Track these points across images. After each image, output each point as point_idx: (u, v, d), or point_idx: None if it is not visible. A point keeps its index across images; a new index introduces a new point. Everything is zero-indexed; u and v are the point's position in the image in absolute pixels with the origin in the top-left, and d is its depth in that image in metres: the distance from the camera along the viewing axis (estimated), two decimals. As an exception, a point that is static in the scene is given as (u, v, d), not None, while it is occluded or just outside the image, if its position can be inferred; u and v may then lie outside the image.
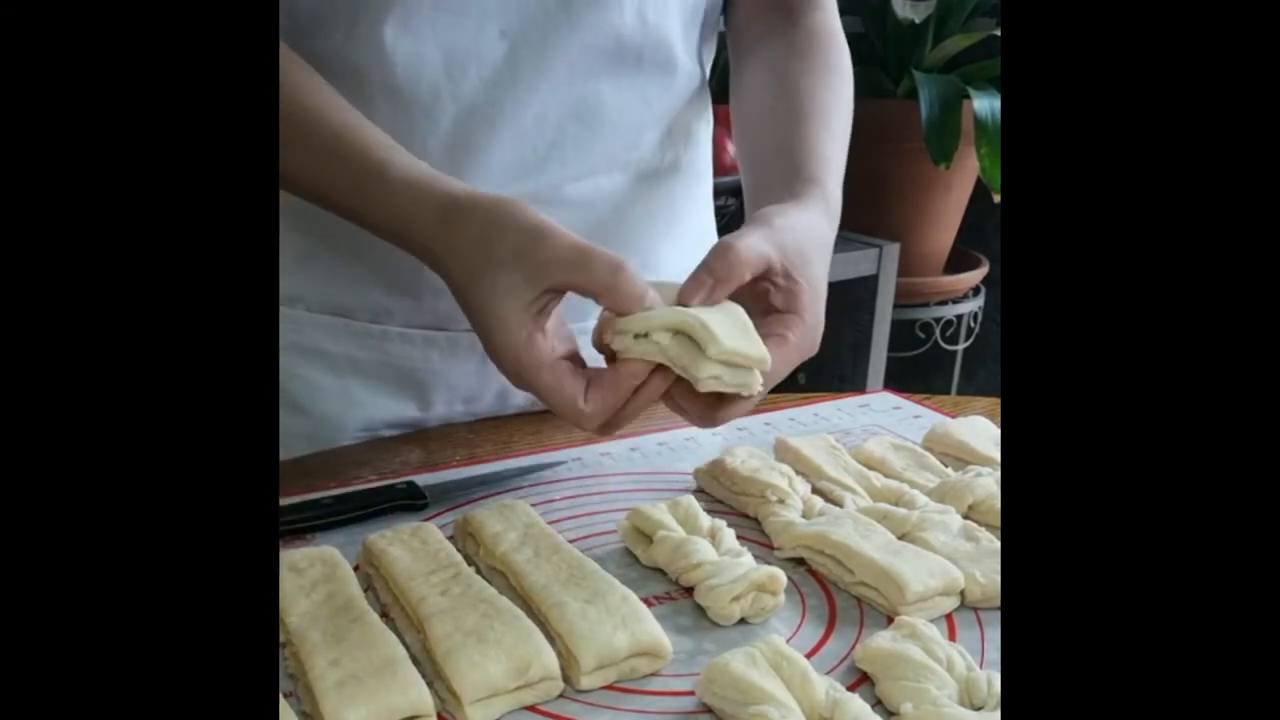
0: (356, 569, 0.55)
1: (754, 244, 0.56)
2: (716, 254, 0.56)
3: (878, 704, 0.45)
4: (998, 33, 1.80)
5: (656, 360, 0.54)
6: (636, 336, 0.54)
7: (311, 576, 0.52)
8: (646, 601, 0.51)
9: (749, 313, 0.56)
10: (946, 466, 0.69)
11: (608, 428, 0.57)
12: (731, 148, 1.90)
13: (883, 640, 0.47)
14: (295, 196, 0.69)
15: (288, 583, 0.51)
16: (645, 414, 0.80)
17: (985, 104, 1.67)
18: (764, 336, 0.55)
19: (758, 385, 0.54)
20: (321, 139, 0.61)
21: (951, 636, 0.51)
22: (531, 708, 0.46)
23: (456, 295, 0.58)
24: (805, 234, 0.60)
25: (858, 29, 1.87)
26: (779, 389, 1.05)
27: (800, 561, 0.57)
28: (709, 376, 0.53)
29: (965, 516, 0.60)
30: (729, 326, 0.53)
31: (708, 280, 0.55)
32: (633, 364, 0.54)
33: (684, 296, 0.55)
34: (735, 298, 0.57)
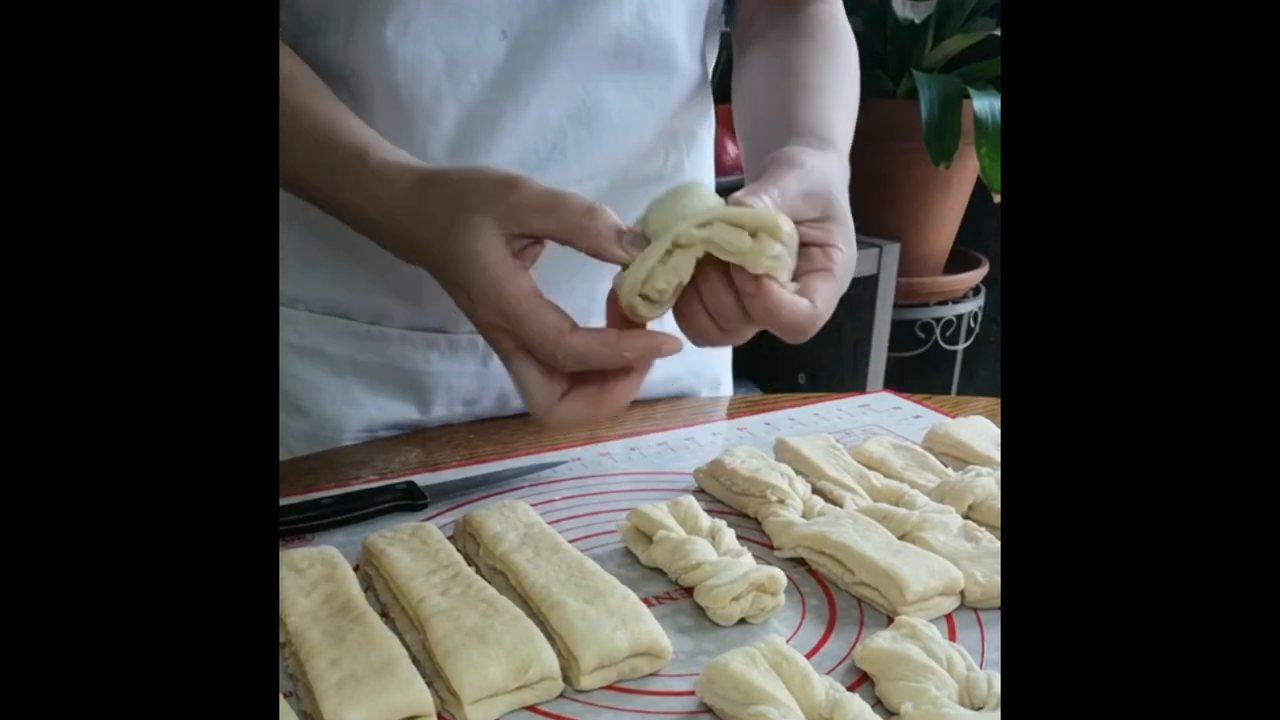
0: (356, 569, 0.55)
1: (793, 182, 0.55)
2: (752, 196, 0.53)
3: (878, 704, 0.45)
4: (998, 33, 1.80)
5: (709, 249, 0.51)
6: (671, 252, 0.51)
7: (311, 576, 0.52)
8: (646, 601, 0.51)
9: None
10: (946, 466, 0.69)
11: (573, 403, 0.54)
12: (731, 148, 1.89)
13: (883, 640, 0.47)
14: (294, 197, 0.69)
15: (288, 583, 0.51)
16: (646, 415, 0.81)
17: (985, 104, 1.67)
18: (806, 272, 0.54)
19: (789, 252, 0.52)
20: (305, 128, 0.61)
21: (951, 636, 0.51)
22: (531, 708, 0.46)
23: (431, 261, 0.56)
24: (830, 173, 0.58)
25: (858, 29, 1.86)
26: (779, 389, 1.04)
27: (800, 561, 0.57)
28: (770, 257, 0.50)
29: (965, 516, 0.60)
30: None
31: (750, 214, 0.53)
32: (653, 338, 0.53)
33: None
34: None
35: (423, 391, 0.78)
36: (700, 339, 0.56)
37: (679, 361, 0.84)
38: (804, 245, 0.56)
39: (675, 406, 0.84)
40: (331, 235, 0.74)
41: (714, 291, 0.53)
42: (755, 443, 0.73)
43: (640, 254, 0.51)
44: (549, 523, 0.58)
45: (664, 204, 0.53)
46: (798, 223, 0.55)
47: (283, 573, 0.52)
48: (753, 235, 0.50)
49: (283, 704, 0.43)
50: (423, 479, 0.67)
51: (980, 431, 0.72)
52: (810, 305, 0.53)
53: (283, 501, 0.62)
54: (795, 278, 0.54)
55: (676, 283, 0.52)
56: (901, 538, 0.57)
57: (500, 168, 0.55)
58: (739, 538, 0.57)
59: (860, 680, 0.47)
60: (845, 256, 0.56)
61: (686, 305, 0.54)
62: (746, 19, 0.80)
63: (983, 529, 0.58)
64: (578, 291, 0.58)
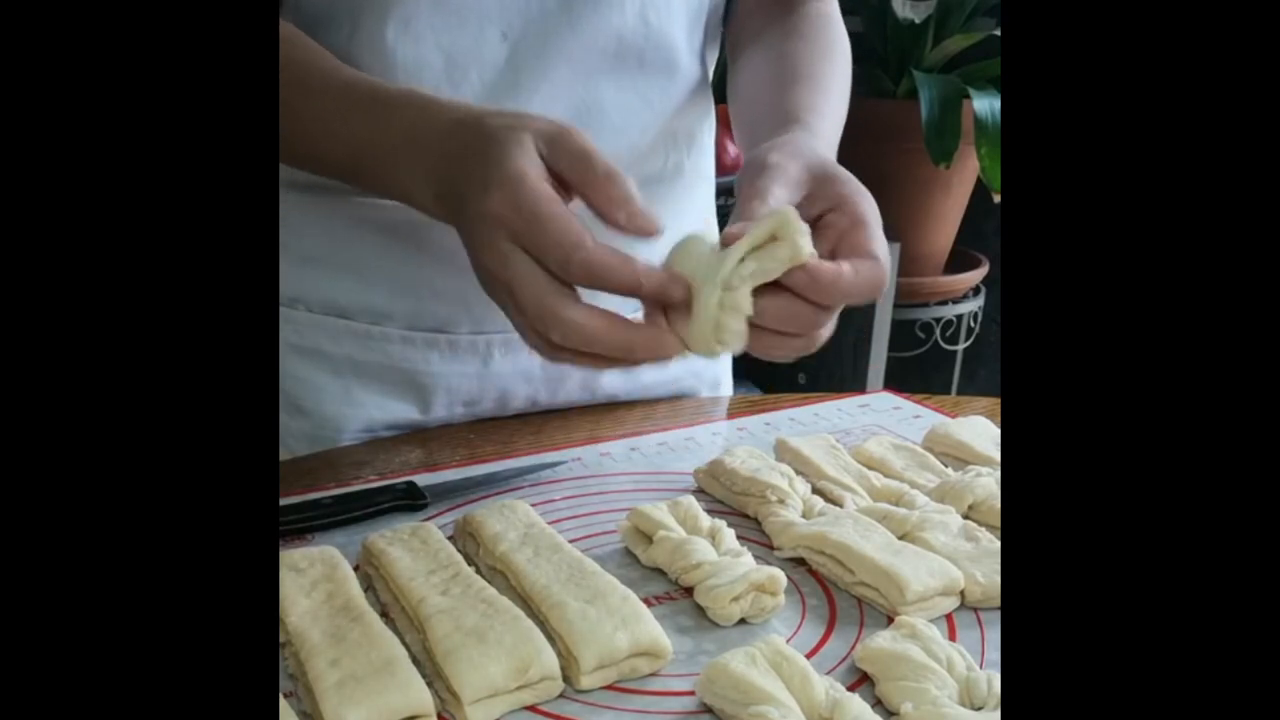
0: (356, 569, 0.55)
1: (776, 189, 0.54)
2: (750, 208, 0.53)
3: (878, 704, 0.45)
4: (998, 33, 1.80)
5: (759, 281, 0.50)
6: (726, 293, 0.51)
7: (311, 576, 0.52)
8: (646, 601, 0.51)
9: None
10: (946, 466, 0.69)
11: (572, 315, 0.50)
12: (731, 148, 1.89)
13: (883, 640, 0.47)
14: (295, 197, 0.69)
15: (288, 583, 0.51)
16: (646, 415, 0.81)
17: (985, 104, 1.67)
18: (844, 232, 0.54)
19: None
20: (345, 79, 0.60)
21: (951, 636, 0.51)
22: (531, 708, 0.46)
23: (457, 171, 0.53)
24: (798, 151, 0.58)
25: (858, 29, 1.87)
26: (779, 389, 1.05)
27: (800, 561, 0.57)
28: (803, 238, 0.50)
29: (965, 516, 0.60)
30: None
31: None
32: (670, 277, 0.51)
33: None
34: None
35: (423, 392, 0.78)
36: (785, 357, 0.55)
37: (679, 362, 0.84)
38: (822, 217, 0.55)
39: (675, 406, 0.84)
40: (332, 236, 0.74)
41: (776, 313, 0.52)
42: (755, 443, 0.73)
43: (696, 309, 0.51)
44: (549, 523, 0.58)
45: (683, 253, 0.53)
46: (798, 207, 0.55)
47: (283, 573, 0.52)
48: (772, 240, 0.51)
49: (283, 704, 0.43)
50: (423, 479, 0.67)
51: (980, 431, 0.72)
52: (871, 258, 0.53)
53: (283, 501, 0.62)
54: (836, 244, 0.54)
55: (745, 318, 0.51)
56: (901, 538, 0.57)
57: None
58: (739, 538, 0.57)
59: (860, 680, 0.47)
60: (864, 201, 0.55)
61: (757, 342, 0.53)
62: (742, 19, 0.80)
63: (983, 529, 0.58)
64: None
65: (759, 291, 0.51)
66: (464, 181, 0.53)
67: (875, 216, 0.55)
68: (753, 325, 0.52)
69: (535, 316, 0.50)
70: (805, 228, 0.51)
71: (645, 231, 0.51)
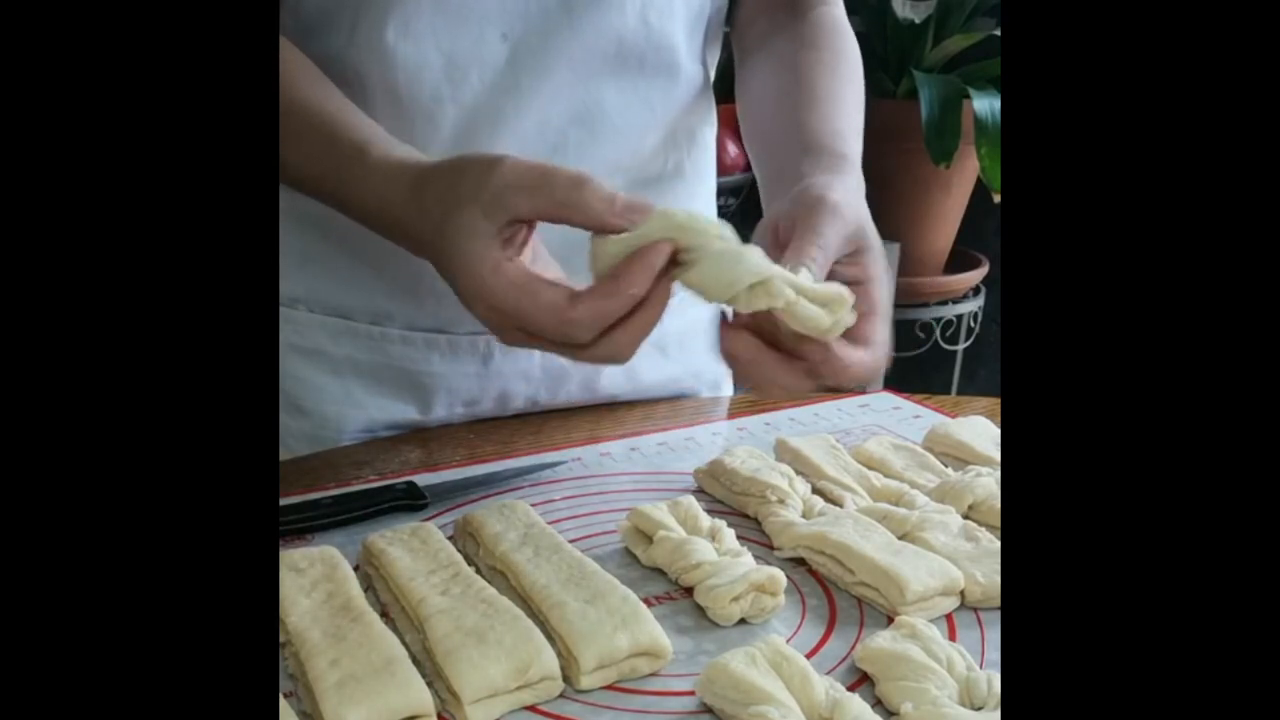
0: (356, 569, 0.55)
1: (833, 235, 0.55)
2: (802, 261, 0.53)
3: (878, 704, 0.45)
4: (998, 33, 1.80)
5: (787, 318, 0.50)
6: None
7: (311, 576, 0.52)
8: (646, 601, 0.51)
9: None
10: (946, 466, 0.69)
11: (610, 348, 0.51)
12: (731, 148, 1.89)
13: (883, 640, 0.47)
14: (294, 197, 0.69)
15: (288, 583, 0.51)
16: (646, 415, 0.81)
17: (985, 104, 1.67)
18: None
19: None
20: (310, 124, 0.60)
21: (951, 636, 0.51)
22: (531, 708, 0.46)
23: (432, 256, 0.55)
24: (859, 204, 0.59)
25: (858, 29, 1.87)
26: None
27: (800, 561, 0.57)
28: (845, 327, 0.52)
29: (965, 516, 0.60)
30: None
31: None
32: (642, 256, 0.49)
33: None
34: None
35: (423, 392, 0.78)
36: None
37: (679, 362, 0.84)
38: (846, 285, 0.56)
39: (675, 407, 0.84)
40: (332, 235, 0.74)
41: (774, 370, 0.53)
42: (755, 443, 0.73)
43: (715, 266, 0.50)
44: (549, 523, 0.58)
45: (663, 217, 0.51)
46: (835, 264, 0.55)
47: (283, 573, 0.52)
48: (822, 304, 0.51)
49: (283, 704, 0.43)
50: (423, 479, 0.67)
51: (980, 431, 0.72)
52: (872, 356, 0.54)
53: (283, 501, 0.62)
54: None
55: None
56: (901, 538, 0.57)
57: (490, 153, 0.53)
58: (739, 538, 0.57)
59: (860, 680, 0.47)
60: (884, 288, 0.57)
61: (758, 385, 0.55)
62: (747, 21, 0.80)
63: (983, 529, 0.58)
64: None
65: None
66: (440, 267, 0.55)
67: (888, 304, 0.57)
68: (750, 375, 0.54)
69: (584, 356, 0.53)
70: (852, 317, 0.52)
71: (640, 213, 0.51)
